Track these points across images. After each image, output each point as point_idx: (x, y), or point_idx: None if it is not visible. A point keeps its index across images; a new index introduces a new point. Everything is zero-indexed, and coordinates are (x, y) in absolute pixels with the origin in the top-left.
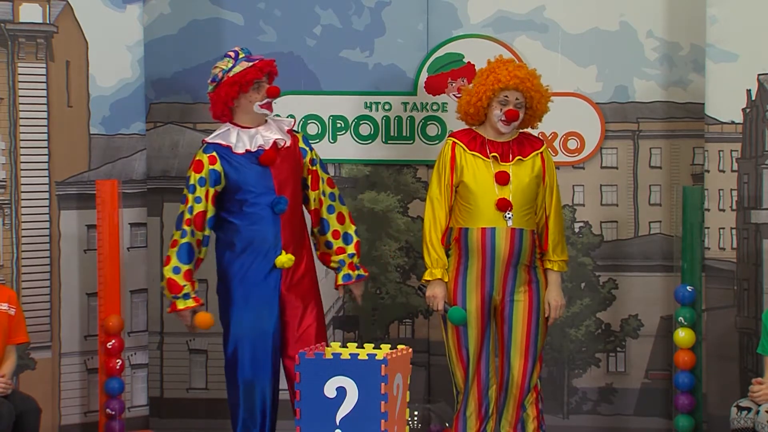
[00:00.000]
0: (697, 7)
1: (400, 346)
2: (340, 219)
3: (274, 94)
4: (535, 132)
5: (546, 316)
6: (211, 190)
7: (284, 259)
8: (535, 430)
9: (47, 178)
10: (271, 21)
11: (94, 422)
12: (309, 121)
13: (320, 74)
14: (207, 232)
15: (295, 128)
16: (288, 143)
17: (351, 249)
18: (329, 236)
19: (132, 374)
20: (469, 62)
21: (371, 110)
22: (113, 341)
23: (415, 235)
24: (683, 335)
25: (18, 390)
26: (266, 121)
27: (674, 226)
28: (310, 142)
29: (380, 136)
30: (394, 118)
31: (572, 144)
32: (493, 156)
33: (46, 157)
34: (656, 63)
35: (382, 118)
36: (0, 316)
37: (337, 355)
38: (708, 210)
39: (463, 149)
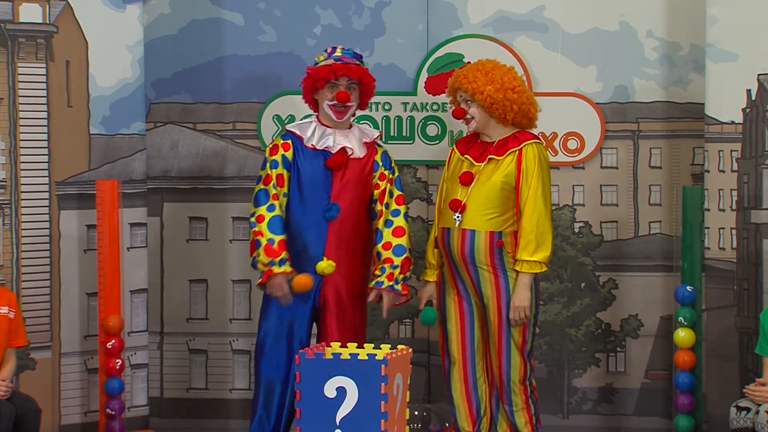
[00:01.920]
0: (697, 7)
1: (400, 346)
2: (397, 232)
3: (340, 98)
4: (535, 131)
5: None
6: (285, 173)
7: (324, 265)
8: None
9: (47, 178)
10: (271, 21)
11: (94, 422)
12: None
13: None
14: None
15: (379, 142)
16: (358, 154)
17: (398, 261)
18: (380, 247)
19: (132, 374)
20: (468, 62)
21: (371, 110)
22: (113, 341)
23: (415, 234)
24: (683, 335)
25: (18, 390)
26: (351, 126)
27: (674, 226)
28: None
29: (380, 136)
30: (394, 118)
31: (572, 144)
32: (465, 157)
33: (46, 157)
34: (656, 63)
35: (382, 118)
36: (0, 320)
37: (337, 355)
38: (708, 210)
39: (456, 152)
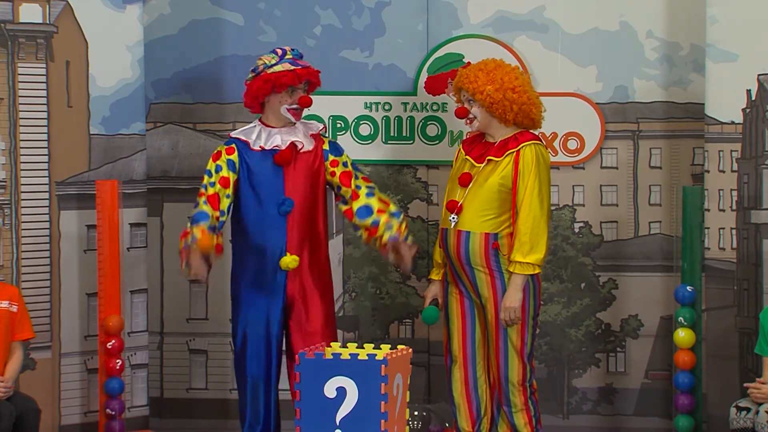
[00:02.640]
0: (697, 7)
1: (400, 346)
2: (384, 201)
3: (305, 104)
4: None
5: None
6: (230, 175)
7: (288, 260)
8: None
9: (47, 178)
10: (271, 21)
11: (94, 422)
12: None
13: (320, 74)
14: (224, 218)
15: (324, 133)
16: (308, 147)
17: (399, 220)
18: (374, 216)
19: (132, 374)
20: (469, 62)
21: (371, 110)
22: (113, 341)
23: (415, 235)
24: (683, 335)
25: (18, 390)
26: (293, 123)
27: (674, 226)
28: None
29: (380, 136)
30: (394, 118)
31: (572, 144)
32: (467, 158)
33: (46, 157)
34: (656, 63)
35: (382, 118)
36: (0, 314)
37: (337, 355)
38: (708, 210)
39: (461, 152)
